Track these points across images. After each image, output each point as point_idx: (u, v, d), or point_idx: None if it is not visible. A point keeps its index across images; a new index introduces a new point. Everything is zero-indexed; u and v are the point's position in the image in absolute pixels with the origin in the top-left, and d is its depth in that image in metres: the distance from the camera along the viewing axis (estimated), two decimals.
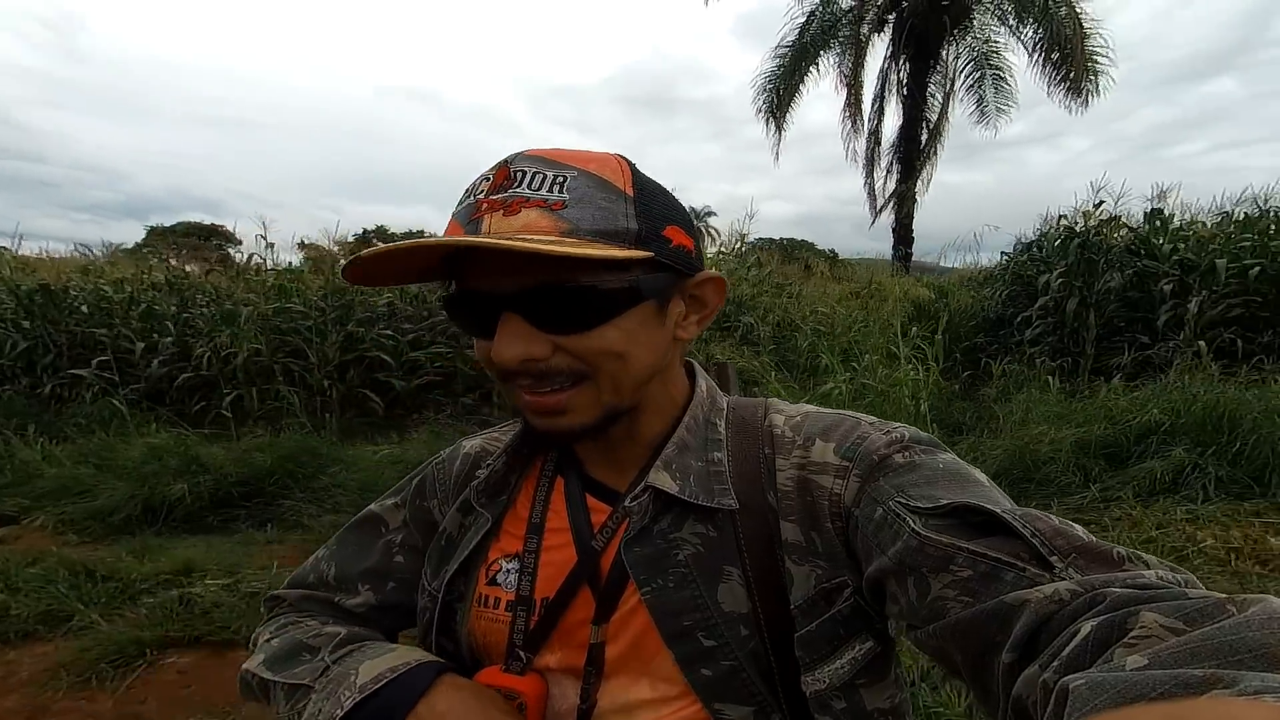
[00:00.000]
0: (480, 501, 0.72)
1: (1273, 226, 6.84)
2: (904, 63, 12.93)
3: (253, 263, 8.53)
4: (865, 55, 12.93)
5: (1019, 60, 12.14)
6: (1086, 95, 11.49)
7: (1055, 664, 0.37)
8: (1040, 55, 11.85)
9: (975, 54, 12.80)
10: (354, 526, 0.82)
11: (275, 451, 5.65)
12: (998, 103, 12.97)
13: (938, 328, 5.74)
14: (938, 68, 12.99)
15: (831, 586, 0.61)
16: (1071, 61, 11.33)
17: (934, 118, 13.09)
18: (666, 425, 0.68)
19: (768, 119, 13.82)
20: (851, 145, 13.50)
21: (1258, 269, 6.38)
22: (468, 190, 0.60)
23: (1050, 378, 6.23)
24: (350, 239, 8.86)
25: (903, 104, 13.09)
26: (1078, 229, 7.50)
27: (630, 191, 0.59)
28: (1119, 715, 0.24)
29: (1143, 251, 7.10)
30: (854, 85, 12.98)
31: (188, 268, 8.85)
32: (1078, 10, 11.26)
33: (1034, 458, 4.85)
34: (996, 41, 12.69)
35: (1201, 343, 6.09)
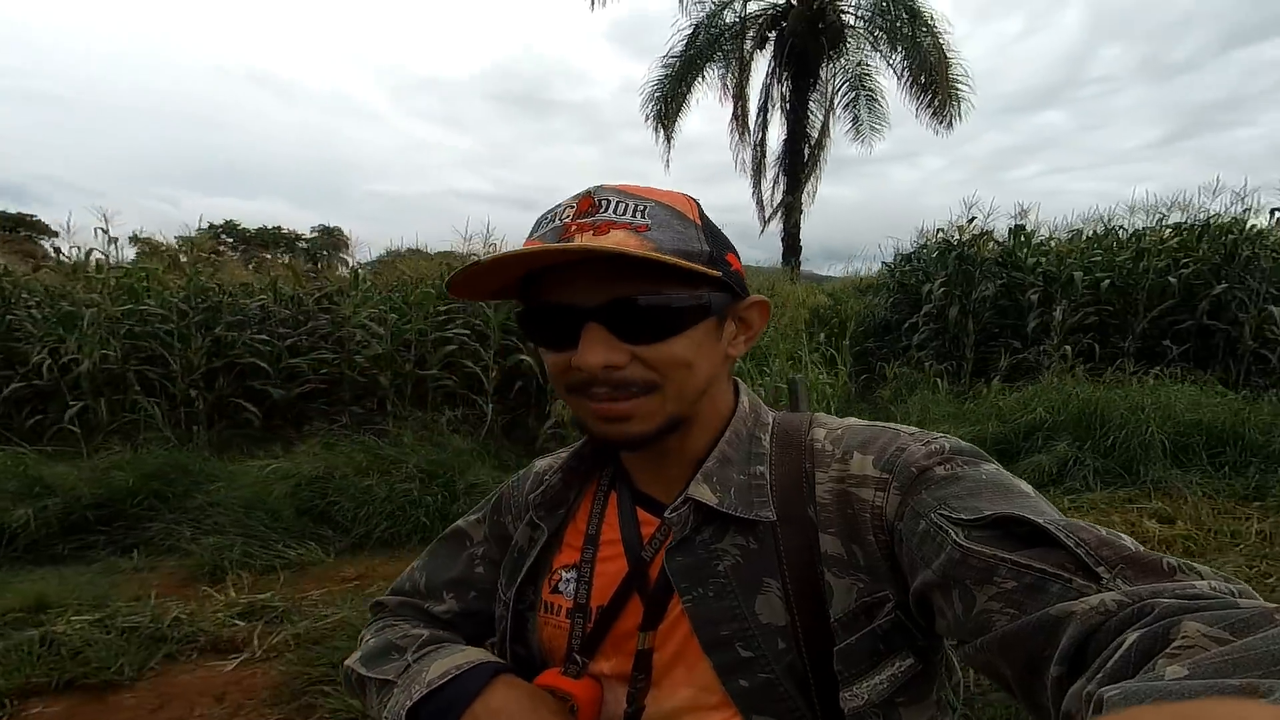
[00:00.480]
0: (539, 515, 0.76)
1: (1115, 244, 7.73)
2: (786, 79, 13.53)
3: (92, 259, 7.57)
4: (750, 70, 13.46)
5: (890, 83, 13.04)
6: (950, 119, 12.54)
7: (1099, 676, 0.37)
8: (908, 79, 12.79)
9: (850, 75, 13.62)
10: (443, 539, 0.88)
11: (137, 469, 5.09)
12: (871, 122, 13.87)
13: (844, 333, 6.00)
14: (817, 86, 13.70)
15: (873, 601, 0.61)
16: (936, 87, 12.32)
17: (815, 133, 13.83)
18: (711, 439, 0.71)
19: (656, 126, 14.03)
20: (740, 156, 14.03)
21: (1108, 281, 7.18)
22: (547, 216, 0.64)
23: (939, 380, 6.70)
24: (200, 233, 8.07)
25: (786, 119, 13.69)
26: (954, 242, 8.12)
27: (699, 221, 0.65)
28: (1126, 715, 0.24)
29: (1009, 264, 7.80)
30: (740, 99, 13.48)
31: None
32: (940, 41, 12.28)
33: None
34: (869, 65, 13.58)
35: (1067, 347, 6.76)
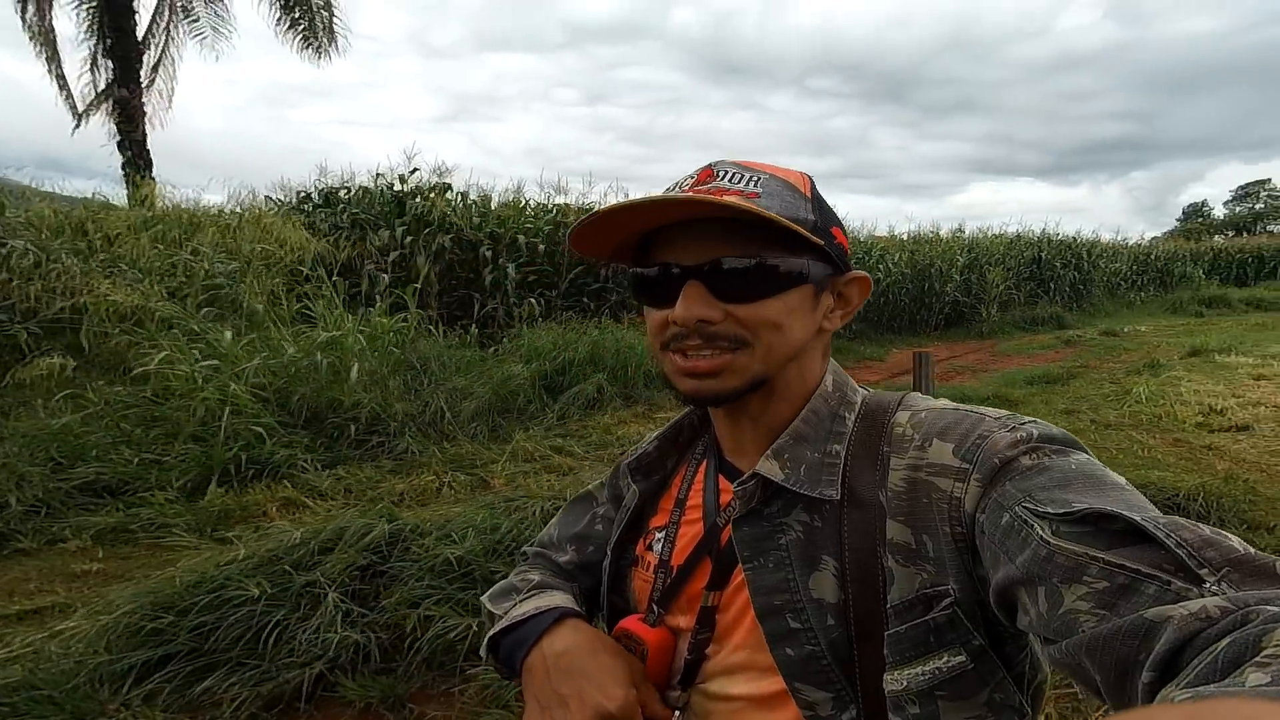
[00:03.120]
0: (635, 479, 0.85)
1: (535, 212, 9.63)
2: None
3: None
4: None
5: None
6: (322, 51, 12.29)
7: (1187, 683, 0.36)
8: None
9: None
10: (576, 499, 0.98)
11: None
12: (213, 22, 12.25)
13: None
14: None
15: (933, 593, 0.62)
16: (305, 13, 11.94)
17: (146, 17, 11.30)
18: (792, 413, 0.74)
19: None
20: (38, 16, 10.07)
21: (542, 245, 9.03)
22: (672, 187, 0.71)
23: (432, 328, 7.19)
24: None
25: None
26: (407, 192, 8.66)
27: (810, 195, 0.71)
28: (1137, 714, 0.24)
29: (459, 221, 8.81)
30: None
31: None
32: None
33: (509, 393, 5.94)
34: None
35: (531, 300, 8.27)
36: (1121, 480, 0.56)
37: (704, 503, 0.78)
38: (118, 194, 9.54)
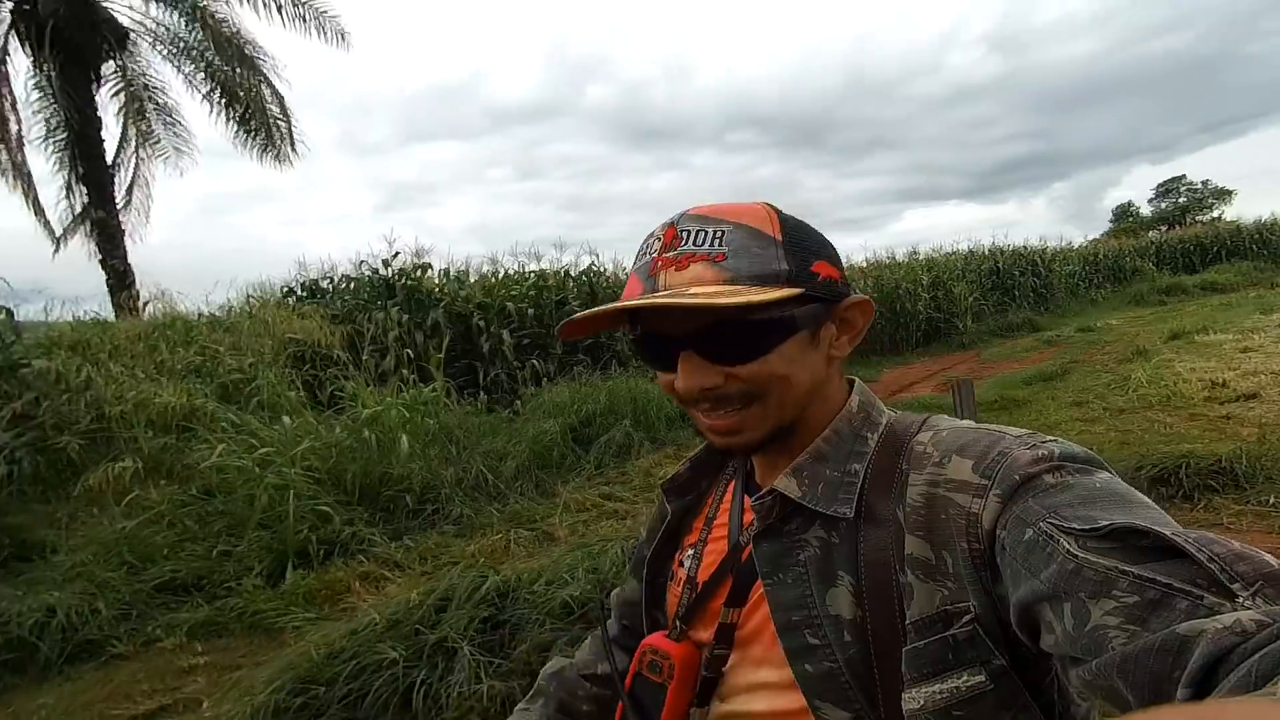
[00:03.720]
0: (669, 499, 0.88)
1: (515, 282, 9.87)
2: (54, 71, 10.75)
3: None
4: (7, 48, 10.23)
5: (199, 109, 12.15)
6: (281, 155, 12.56)
7: (1217, 696, 0.36)
8: (220, 110, 12.23)
9: (134, 84, 11.94)
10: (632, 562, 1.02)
11: None
12: (175, 143, 12.48)
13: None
14: (101, 87, 11.44)
15: (954, 610, 0.62)
16: (262, 125, 12.23)
17: (118, 141, 11.48)
18: (817, 435, 0.75)
19: None
20: (7, 152, 10.15)
21: (531, 310, 9.24)
22: (642, 249, 0.72)
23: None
24: None
25: (69, 121, 10.81)
26: (388, 274, 8.86)
27: (779, 237, 0.69)
28: (1146, 715, 0.23)
29: (447, 296, 8.98)
30: None
31: None
32: (269, 78, 12.25)
33: (544, 449, 6.05)
34: (159, 78, 12.22)
35: (535, 361, 8.41)
36: (1147, 499, 0.56)
37: (730, 521, 0.80)
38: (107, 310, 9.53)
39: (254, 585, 3.80)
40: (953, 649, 0.61)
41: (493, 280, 9.77)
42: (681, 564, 0.83)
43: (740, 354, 0.67)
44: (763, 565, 0.71)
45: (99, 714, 2.91)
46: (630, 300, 0.67)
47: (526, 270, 10.34)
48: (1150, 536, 0.47)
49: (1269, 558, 0.44)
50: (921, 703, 0.61)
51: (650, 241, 0.70)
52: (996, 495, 0.60)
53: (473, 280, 9.78)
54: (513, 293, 9.54)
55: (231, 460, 4.52)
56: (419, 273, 9.15)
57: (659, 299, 0.64)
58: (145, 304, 8.98)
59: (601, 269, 10.83)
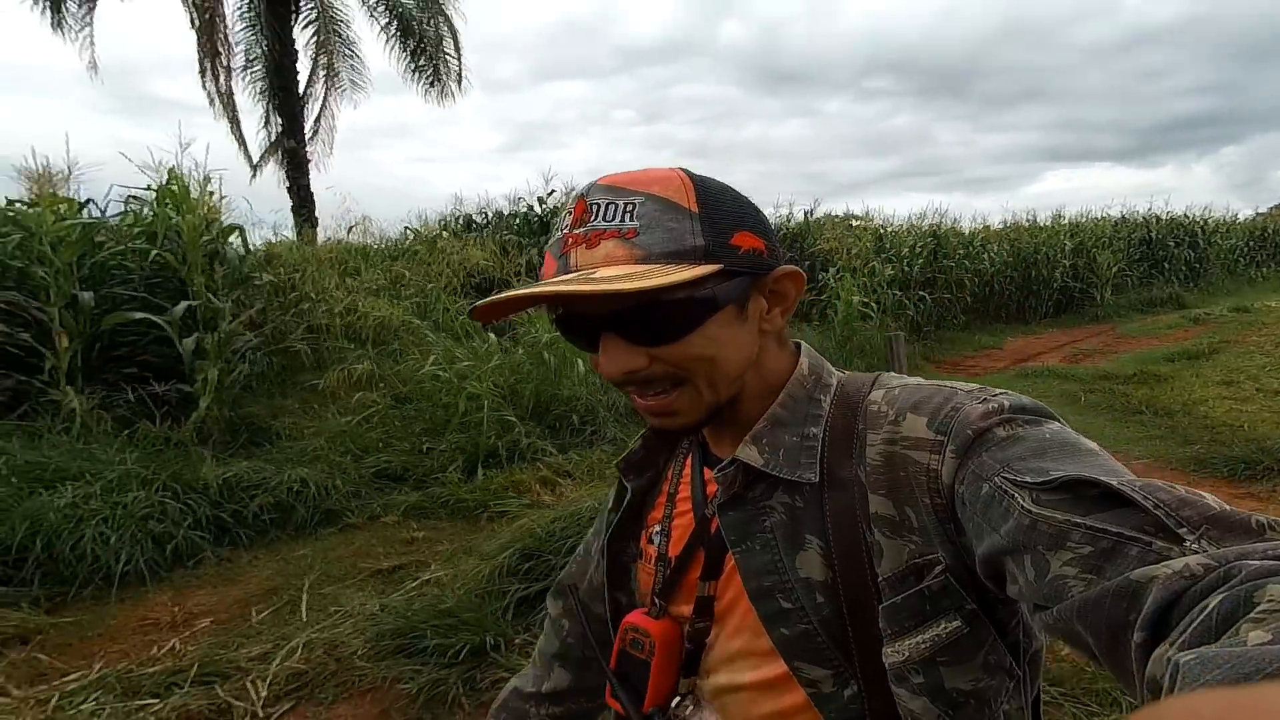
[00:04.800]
0: (626, 478, 0.86)
1: None
2: (261, 2, 11.67)
3: None
4: None
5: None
6: (445, 91, 13.18)
7: (1181, 641, 0.36)
8: (394, 44, 12.87)
9: (325, 17, 12.68)
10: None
11: None
12: (352, 76, 13.28)
13: None
14: (298, 13, 12.26)
15: (923, 562, 0.62)
16: (427, 56, 12.81)
17: (308, 70, 12.41)
18: (764, 406, 0.73)
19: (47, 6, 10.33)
20: (216, 85, 11.28)
21: None
22: (556, 224, 0.68)
23: None
24: None
25: (268, 50, 11.77)
26: (549, 211, 9.28)
27: (695, 208, 0.64)
28: (1184, 701, 0.22)
29: None
30: (212, 7, 10.97)
31: None
32: (446, 12, 12.77)
33: None
34: (345, 11, 12.84)
35: None
36: (1095, 446, 0.56)
37: (692, 495, 0.79)
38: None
39: (455, 478, 4.36)
40: (929, 600, 0.62)
41: None
42: (650, 541, 0.82)
43: (661, 335, 0.64)
44: (730, 534, 0.71)
45: (349, 566, 3.51)
46: (531, 288, 0.62)
47: None
48: (1099, 487, 0.48)
49: (1211, 500, 0.45)
50: (906, 654, 0.62)
51: (562, 215, 0.67)
52: (952, 450, 0.60)
53: None
54: None
55: (436, 370, 5.11)
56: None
57: (563, 286, 0.59)
58: (350, 228, 9.82)
59: None
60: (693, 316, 0.63)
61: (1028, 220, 15.68)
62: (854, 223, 11.56)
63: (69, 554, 3.20)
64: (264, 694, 2.45)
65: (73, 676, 2.56)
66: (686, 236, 0.62)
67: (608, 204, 0.63)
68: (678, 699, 0.76)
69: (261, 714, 2.38)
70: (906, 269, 10.82)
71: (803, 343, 0.77)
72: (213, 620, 3.05)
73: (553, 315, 0.69)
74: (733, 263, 0.64)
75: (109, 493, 3.52)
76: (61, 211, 5.17)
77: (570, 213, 0.65)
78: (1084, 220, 15.96)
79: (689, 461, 0.81)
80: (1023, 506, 0.51)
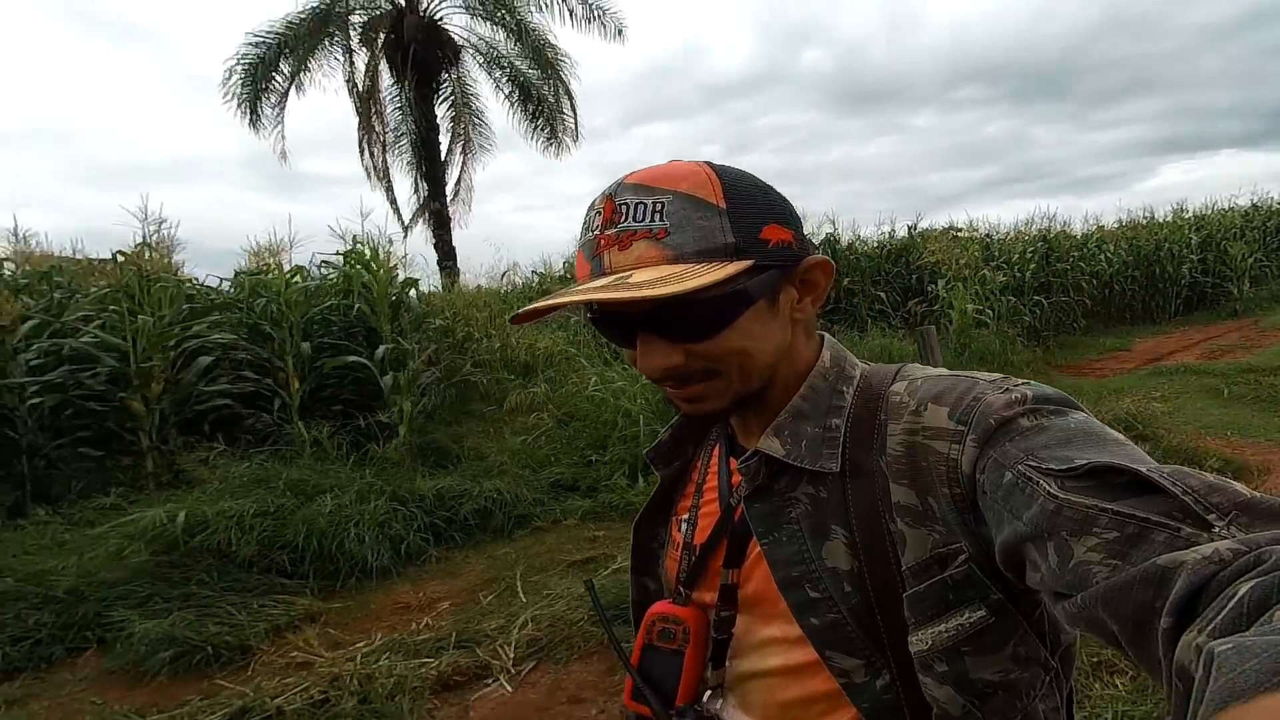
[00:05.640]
0: (656, 467, 0.85)
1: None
2: (409, 85, 13.01)
3: None
4: (378, 73, 12.55)
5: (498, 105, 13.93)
6: (560, 146, 14.12)
7: (1210, 628, 0.35)
8: (516, 108, 13.92)
9: (460, 93, 13.90)
10: None
11: None
12: (480, 141, 14.45)
13: None
14: (439, 93, 13.56)
15: (947, 551, 0.61)
16: (549, 119, 13.77)
17: (447, 140, 13.68)
18: (792, 395, 0.72)
19: (248, 110, 11.89)
20: (371, 160, 12.73)
21: None
22: (585, 224, 0.67)
23: None
24: None
25: (415, 124, 13.12)
26: None
27: (723, 204, 0.63)
28: (1266, 702, 0.22)
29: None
30: (369, 98, 12.37)
31: None
32: (563, 77, 13.74)
33: None
34: (475, 83, 14.05)
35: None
36: (1121, 436, 0.55)
37: (719, 484, 0.78)
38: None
39: (621, 484, 4.84)
40: (952, 589, 0.61)
41: None
42: (679, 529, 0.81)
43: (697, 332, 0.64)
44: (757, 525, 0.70)
45: (548, 559, 4.02)
46: (572, 295, 0.62)
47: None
48: (1126, 474, 0.47)
49: (1240, 487, 0.44)
50: (930, 643, 0.61)
51: (591, 215, 0.66)
52: (973, 440, 0.58)
53: None
54: None
55: (595, 391, 5.67)
56: None
57: (602, 294, 0.59)
58: (504, 274, 10.73)
59: (838, 236, 11.09)
60: (727, 313, 0.63)
61: (1145, 217, 14.92)
62: (957, 234, 11.47)
63: (334, 551, 3.87)
64: (512, 655, 2.95)
65: (361, 644, 3.15)
66: (717, 234, 0.62)
67: (637, 204, 0.62)
68: (708, 692, 0.75)
69: (513, 670, 2.88)
70: (1018, 275, 10.61)
71: (826, 334, 0.77)
72: (450, 603, 3.61)
73: (588, 314, 0.69)
74: (763, 257, 0.64)
75: (355, 503, 4.20)
76: (293, 280, 6.11)
77: (600, 213, 0.64)
78: (1209, 212, 14.97)
79: (716, 451, 0.81)
80: (1048, 492, 0.50)
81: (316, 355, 6.03)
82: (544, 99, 13.79)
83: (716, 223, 0.62)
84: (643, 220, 0.62)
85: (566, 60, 13.60)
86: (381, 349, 5.90)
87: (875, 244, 11.66)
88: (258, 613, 3.40)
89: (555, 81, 13.69)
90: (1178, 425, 5.34)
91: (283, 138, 12.58)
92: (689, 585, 0.77)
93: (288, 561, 3.80)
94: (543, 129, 14.14)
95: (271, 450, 5.11)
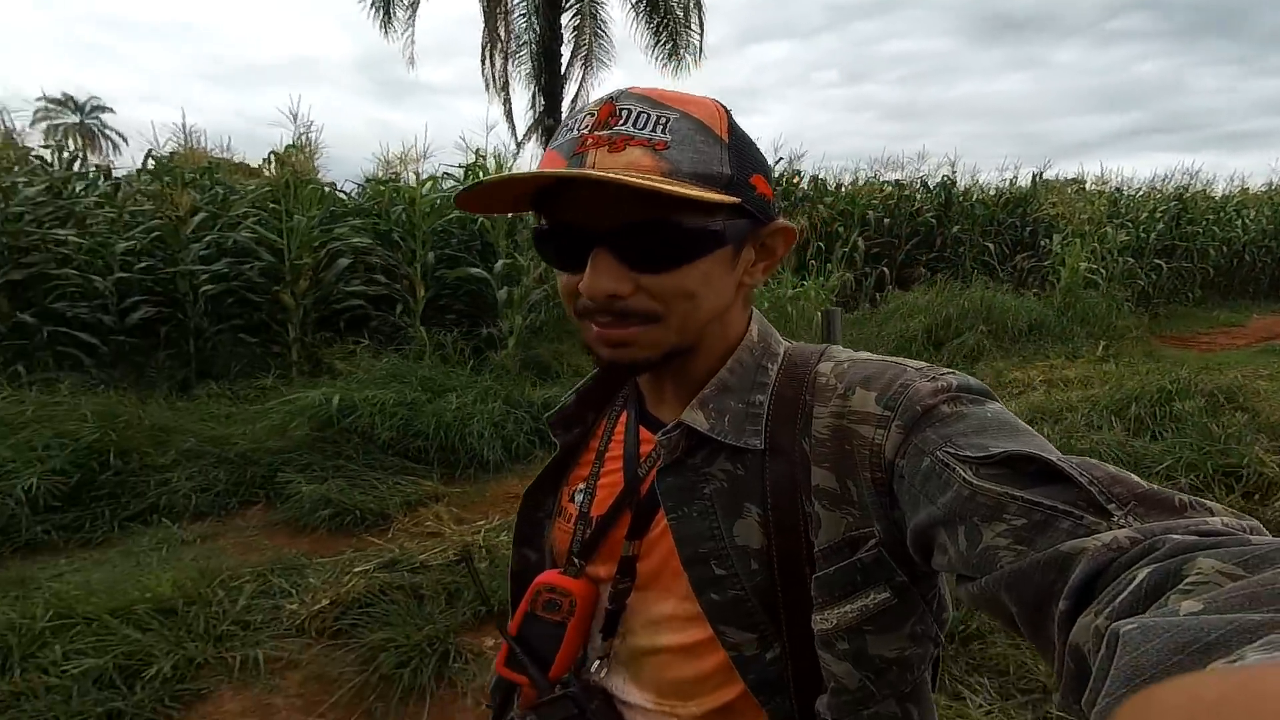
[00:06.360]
0: (555, 433, 0.81)
1: (886, 195, 10.14)
2: None
3: None
4: None
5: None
6: (681, 62, 13.73)
7: (1109, 610, 0.36)
8: (642, 18, 13.48)
9: (586, 3, 13.55)
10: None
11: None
12: (601, 56, 14.20)
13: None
14: (566, 1, 13.29)
15: (858, 535, 0.61)
16: (672, 33, 13.37)
17: (568, 53, 13.52)
18: (713, 367, 0.70)
19: (382, 12, 12.11)
20: (490, 69, 12.86)
21: (887, 220, 9.53)
22: (566, 124, 0.62)
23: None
24: None
25: (540, 32, 12.98)
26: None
27: (726, 138, 0.61)
28: (1178, 683, 0.22)
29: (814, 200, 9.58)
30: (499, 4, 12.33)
31: None
32: None
33: (905, 342, 6.55)
34: None
35: (883, 269, 8.79)
36: (1030, 428, 0.56)
37: (624, 454, 0.75)
38: None
39: None
40: (860, 571, 0.61)
41: (854, 189, 10.13)
42: (572, 499, 0.78)
43: (659, 261, 0.60)
44: (667, 499, 0.68)
45: None
46: (557, 168, 0.58)
47: (881, 180, 10.52)
48: (1037, 462, 0.48)
49: (1138, 479, 0.46)
50: (835, 622, 0.62)
51: (581, 116, 0.61)
52: (899, 426, 0.59)
53: (831, 188, 10.27)
54: (872, 201, 9.87)
55: None
56: (795, 179, 9.83)
57: (593, 172, 0.56)
58: None
59: (954, 179, 10.57)
60: (698, 247, 0.61)
61: None
62: (1085, 186, 10.74)
63: (456, 443, 4.27)
64: None
65: (481, 522, 3.54)
66: (715, 163, 0.59)
67: (640, 112, 0.59)
68: (597, 661, 0.74)
69: None
70: (1142, 235, 9.92)
71: (754, 310, 0.74)
72: None
73: (539, 222, 0.65)
74: (748, 201, 0.62)
75: (474, 403, 4.58)
76: (427, 191, 6.43)
77: (593, 115, 0.60)
78: None
79: (623, 419, 0.78)
80: (963, 479, 0.50)
81: (435, 265, 6.40)
82: (671, 11, 13.36)
83: (717, 152, 0.60)
84: (643, 129, 0.58)
85: None
86: (500, 263, 6.21)
87: (994, 191, 10.97)
88: (393, 488, 3.84)
89: None
90: None
91: (412, 42, 12.70)
92: (583, 556, 0.74)
93: (418, 448, 4.23)
94: (665, 43, 13.73)
95: (395, 350, 5.54)
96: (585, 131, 0.59)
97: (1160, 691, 0.22)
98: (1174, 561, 0.36)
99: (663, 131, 0.58)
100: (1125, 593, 0.36)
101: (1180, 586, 0.34)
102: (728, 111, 0.63)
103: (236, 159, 7.56)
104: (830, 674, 0.63)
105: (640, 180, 0.54)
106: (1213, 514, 0.42)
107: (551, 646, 0.73)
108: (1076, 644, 0.37)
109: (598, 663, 0.74)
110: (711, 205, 0.58)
